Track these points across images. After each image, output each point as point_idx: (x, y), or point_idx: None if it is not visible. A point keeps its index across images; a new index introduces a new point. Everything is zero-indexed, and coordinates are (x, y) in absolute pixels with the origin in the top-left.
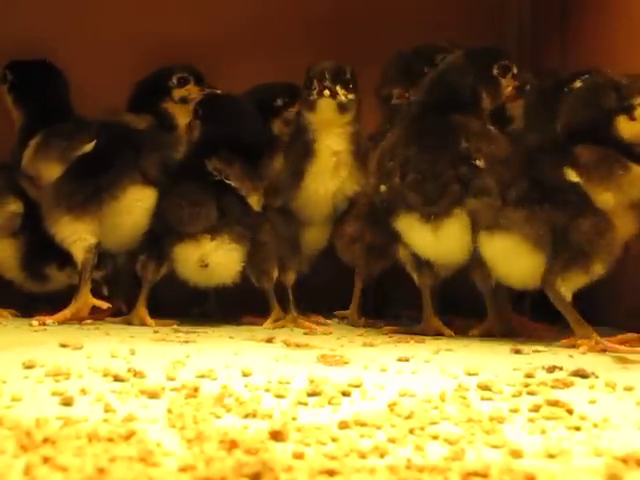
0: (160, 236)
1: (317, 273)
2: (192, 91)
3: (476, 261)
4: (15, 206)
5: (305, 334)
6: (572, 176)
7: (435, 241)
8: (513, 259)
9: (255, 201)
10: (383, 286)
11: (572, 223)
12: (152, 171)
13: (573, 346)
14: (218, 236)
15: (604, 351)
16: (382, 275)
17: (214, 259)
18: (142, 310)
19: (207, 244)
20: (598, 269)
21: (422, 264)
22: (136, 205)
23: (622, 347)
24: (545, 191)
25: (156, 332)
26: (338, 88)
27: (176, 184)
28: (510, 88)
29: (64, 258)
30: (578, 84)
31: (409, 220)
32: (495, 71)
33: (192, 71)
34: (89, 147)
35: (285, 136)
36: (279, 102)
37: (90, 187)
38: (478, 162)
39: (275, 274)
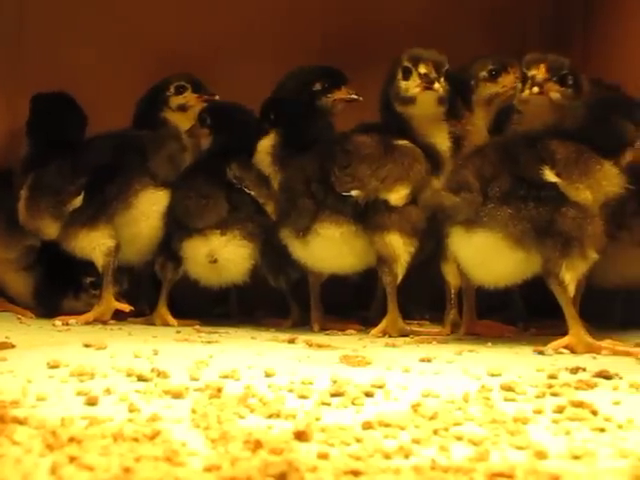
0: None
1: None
2: (190, 99)
3: (446, 258)
4: (32, 240)
5: (326, 334)
6: (550, 177)
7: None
8: (493, 257)
9: (271, 208)
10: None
11: (557, 214)
12: (162, 170)
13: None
14: (228, 231)
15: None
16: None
17: (224, 255)
18: (163, 309)
19: (216, 239)
20: (592, 254)
21: None
22: (151, 210)
23: (613, 348)
24: (527, 188)
25: (178, 332)
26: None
27: (186, 182)
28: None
29: (78, 286)
30: None
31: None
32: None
33: (189, 79)
34: (78, 201)
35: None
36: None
37: (99, 198)
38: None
39: (293, 273)
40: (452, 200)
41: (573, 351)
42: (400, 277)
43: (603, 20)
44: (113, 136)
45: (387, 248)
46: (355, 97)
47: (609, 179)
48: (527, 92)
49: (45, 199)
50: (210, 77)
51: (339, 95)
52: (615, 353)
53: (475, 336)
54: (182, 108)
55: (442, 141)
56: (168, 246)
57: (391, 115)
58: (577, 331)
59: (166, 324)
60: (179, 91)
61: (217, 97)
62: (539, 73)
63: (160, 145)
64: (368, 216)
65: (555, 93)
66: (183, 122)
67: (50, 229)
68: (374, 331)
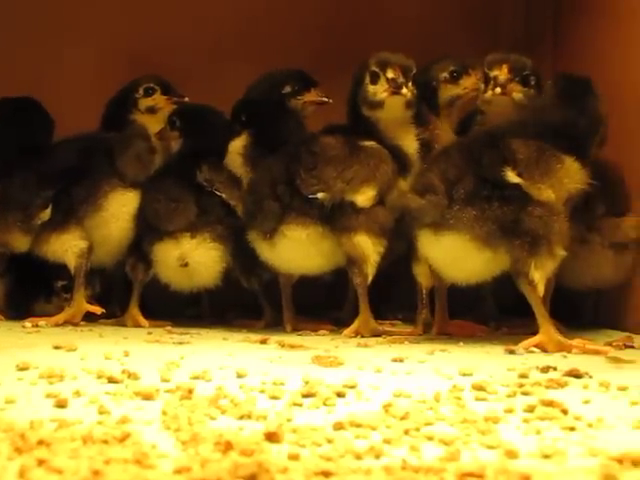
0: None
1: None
2: (159, 100)
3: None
4: (2, 248)
5: (299, 335)
6: (512, 178)
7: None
8: (462, 258)
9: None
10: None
11: (522, 214)
12: (130, 170)
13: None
14: (198, 234)
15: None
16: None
17: (194, 258)
18: (134, 311)
19: (187, 242)
20: (559, 251)
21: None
22: (121, 211)
23: (583, 347)
24: (491, 189)
25: (150, 334)
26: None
27: (156, 185)
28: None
29: (50, 290)
30: None
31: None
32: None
33: (158, 81)
34: (46, 215)
35: None
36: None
37: (68, 202)
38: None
39: (264, 274)
40: (418, 202)
41: (544, 350)
42: (370, 277)
43: (573, 18)
44: (79, 139)
45: (356, 249)
46: (325, 100)
47: (571, 176)
48: (490, 93)
49: (12, 214)
50: (181, 79)
51: (309, 97)
52: (585, 352)
53: (447, 336)
54: (151, 110)
55: (410, 143)
56: (139, 247)
57: (359, 118)
58: (547, 330)
59: (137, 325)
60: (148, 93)
61: (187, 99)
62: (501, 74)
63: (127, 145)
64: (335, 218)
65: (518, 94)
66: (152, 124)
67: (19, 243)
68: (346, 331)
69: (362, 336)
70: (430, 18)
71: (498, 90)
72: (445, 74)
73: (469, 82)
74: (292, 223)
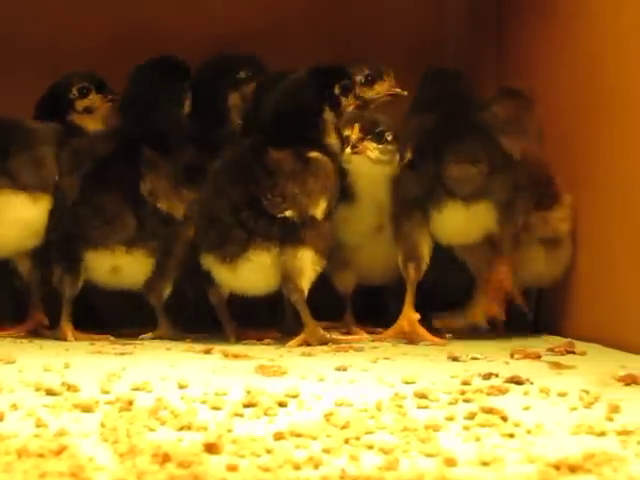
0: (71, 243)
1: None
2: (95, 100)
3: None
4: None
5: (244, 344)
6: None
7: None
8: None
9: (178, 209)
10: None
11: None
12: (23, 175)
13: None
14: (134, 248)
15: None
16: None
17: (127, 269)
18: (66, 326)
19: (122, 256)
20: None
21: None
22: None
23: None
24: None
25: (92, 345)
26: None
27: (88, 191)
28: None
29: None
30: None
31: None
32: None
33: (92, 79)
34: None
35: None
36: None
37: None
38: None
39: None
40: None
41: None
42: (306, 292)
43: (515, 19)
44: None
45: (297, 263)
46: None
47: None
48: (347, 151)
49: None
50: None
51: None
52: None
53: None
54: (88, 110)
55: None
56: (64, 258)
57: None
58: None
59: (69, 339)
60: (83, 93)
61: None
62: (353, 133)
63: (27, 147)
64: (288, 233)
65: (372, 151)
66: (91, 124)
67: None
68: (291, 343)
69: (309, 345)
70: (364, 20)
71: (348, 150)
72: (360, 77)
73: (382, 87)
74: (258, 248)
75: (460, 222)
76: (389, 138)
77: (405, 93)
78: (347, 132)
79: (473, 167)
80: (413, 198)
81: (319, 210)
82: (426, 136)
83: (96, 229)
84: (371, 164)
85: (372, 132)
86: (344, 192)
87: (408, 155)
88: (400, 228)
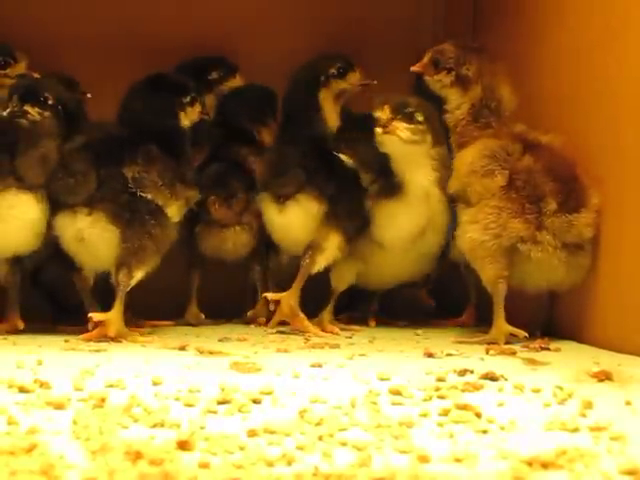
0: None
1: None
2: None
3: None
4: None
5: (220, 341)
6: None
7: None
8: None
9: (173, 210)
10: None
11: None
12: (30, 175)
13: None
14: (94, 211)
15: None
16: None
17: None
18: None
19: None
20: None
21: None
22: (8, 214)
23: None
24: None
25: (66, 341)
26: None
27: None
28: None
29: None
30: None
31: None
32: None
33: (65, 79)
34: None
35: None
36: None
37: None
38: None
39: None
40: None
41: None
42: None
43: (492, 18)
44: None
45: None
46: None
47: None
48: (378, 132)
49: None
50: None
51: None
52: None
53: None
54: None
55: None
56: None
57: None
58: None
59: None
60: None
61: (89, 95)
62: (383, 114)
63: (32, 145)
64: None
65: (402, 131)
66: None
67: None
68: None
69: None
70: (345, 17)
71: (380, 130)
72: (333, 70)
73: (354, 78)
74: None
75: None
76: (420, 119)
77: (375, 82)
78: (378, 113)
79: None
80: None
81: None
82: None
83: (59, 180)
84: (402, 144)
85: (402, 112)
86: (390, 184)
87: None
88: None
